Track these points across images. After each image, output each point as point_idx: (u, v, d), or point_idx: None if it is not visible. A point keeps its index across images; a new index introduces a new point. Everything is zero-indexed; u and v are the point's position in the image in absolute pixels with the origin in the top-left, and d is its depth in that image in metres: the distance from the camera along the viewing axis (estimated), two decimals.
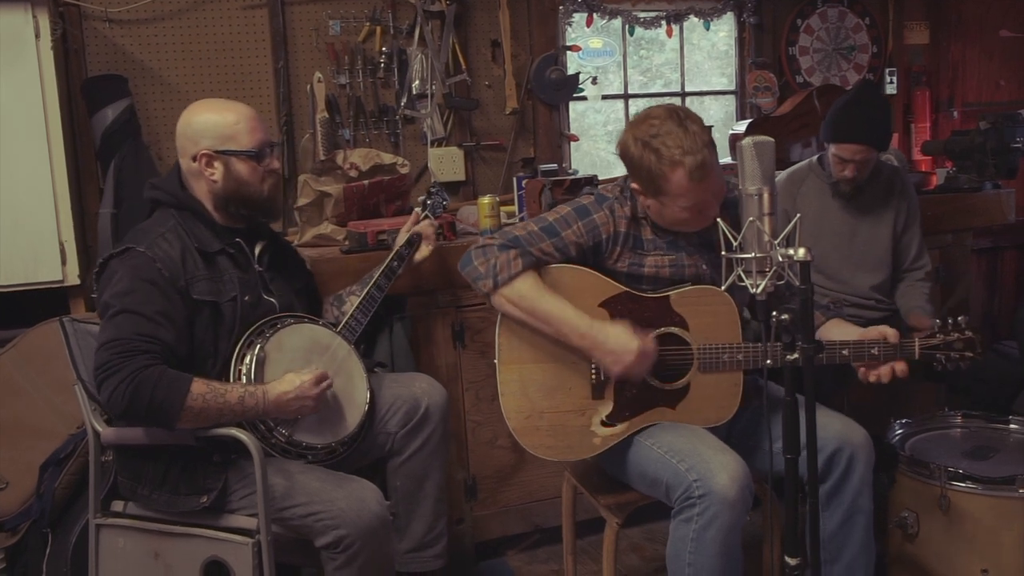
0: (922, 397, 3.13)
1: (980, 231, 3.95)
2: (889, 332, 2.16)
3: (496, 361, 2.20)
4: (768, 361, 1.99)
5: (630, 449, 2.19)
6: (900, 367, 2.15)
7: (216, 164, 2.13)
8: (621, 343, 2.07)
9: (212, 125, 2.13)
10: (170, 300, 2.02)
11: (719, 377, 2.17)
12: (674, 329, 2.16)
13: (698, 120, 2.07)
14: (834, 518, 2.18)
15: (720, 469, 1.98)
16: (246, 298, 2.14)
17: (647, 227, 2.19)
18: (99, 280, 2.09)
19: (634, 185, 2.14)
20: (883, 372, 2.16)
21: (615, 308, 2.16)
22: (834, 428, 2.16)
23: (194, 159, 2.14)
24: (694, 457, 2.03)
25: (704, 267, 2.20)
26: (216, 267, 2.13)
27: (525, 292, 2.11)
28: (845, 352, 2.15)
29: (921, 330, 2.82)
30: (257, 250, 2.23)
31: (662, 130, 2.03)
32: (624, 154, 2.11)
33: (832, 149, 2.92)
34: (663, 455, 2.09)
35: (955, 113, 4.34)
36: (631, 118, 2.15)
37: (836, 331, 2.26)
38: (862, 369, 2.19)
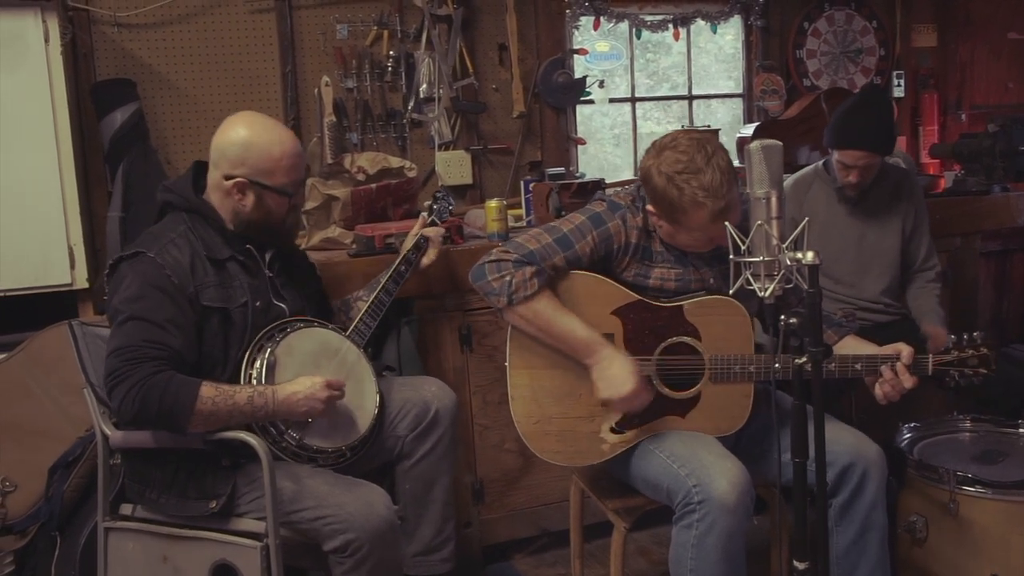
0: (931, 401, 3.12)
1: (989, 234, 3.93)
2: (904, 349, 2.15)
3: (507, 365, 2.20)
4: (776, 364, 1.99)
5: (634, 454, 2.18)
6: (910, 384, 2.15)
7: (249, 193, 2.13)
8: (621, 377, 2.07)
9: (255, 154, 2.11)
10: (179, 306, 2.02)
11: (730, 388, 2.16)
12: (687, 339, 2.15)
13: (724, 154, 2.03)
14: (847, 534, 2.16)
15: (720, 475, 1.97)
16: (257, 304, 2.14)
17: (657, 239, 2.18)
18: (109, 281, 2.10)
19: (651, 208, 2.12)
20: (895, 394, 2.15)
21: (628, 316, 2.15)
22: (847, 442, 2.14)
23: (227, 178, 2.12)
24: (694, 463, 2.02)
25: (712, 281, 2.19)
26: (226, 273, 2.13)
27: (540, 311, 2.10)
28: (858, 366, 2.15)
29: (935, 338, 2.82)
30: (268, 256, 2.23)
31: (689, 168, 1.99)
32: (646, 181, 2.08)
33: (835, 155, 2.91)
34: (665, 460, 2.09)
35: (963, 116, 4.33)
36: (656, 141, 2.09)
37: (852, 346, 2.25)
38: (878, 392, 2.17)
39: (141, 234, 2.17)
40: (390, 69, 3.39)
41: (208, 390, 1.96)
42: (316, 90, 3.29)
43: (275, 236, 2.21)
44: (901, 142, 4.13)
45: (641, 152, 2.40)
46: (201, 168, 2.22)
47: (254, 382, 2.07)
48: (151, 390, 1.90)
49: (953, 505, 2.34)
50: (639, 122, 4.06)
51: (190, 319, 2.03)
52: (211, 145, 2.16)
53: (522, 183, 3.41)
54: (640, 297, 2.16)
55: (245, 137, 2.12)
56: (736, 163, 3.62)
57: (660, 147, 2.06)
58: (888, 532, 2.20)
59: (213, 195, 2.17)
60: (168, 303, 2.01)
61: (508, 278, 2.09)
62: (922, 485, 2.43)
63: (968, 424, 2.70)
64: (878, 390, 2.17)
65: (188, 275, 2.05)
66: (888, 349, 2.17)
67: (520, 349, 2.19)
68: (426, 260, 2.55)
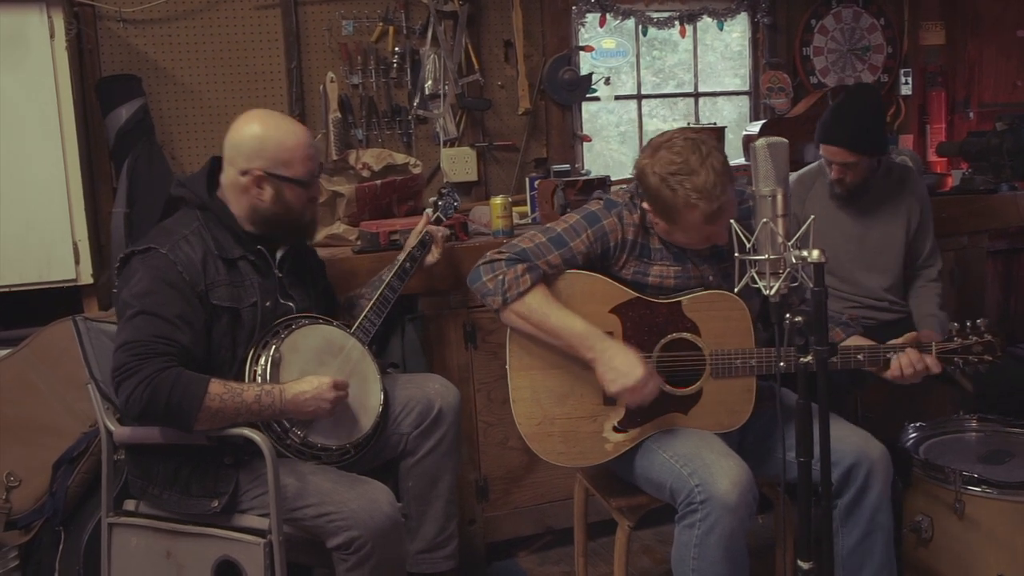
0: (936, 400, 3.11)
1: (996, 233, 3.91)
2: (908, 338, 2.14)
3: (507, 367, 2.19)
4: (782, 364, 1.98)
5: (638, 452, 2.18)
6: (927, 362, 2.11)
7: (266, 186, 2.11)
8: (628, 365, 2.05)
9: (270, 146, 2.10)
10: (189, 303, 2.02)
11: (732, 382, 2.15)
12: (686, 335, 2.14)
13: (720, 155, 2.02)
14: (853, 535, 2.15)
15: (721, 474, 1.97)
16: (267, 304, 2.13)
17: (655, 236, 2.18)
18: (119, 275, 2.10)
19: (646, 205, 2.11)
20: (911, 369, 2.10)
21: (626, 314, 2.14)
22: (851, 442, 2.13)
23: (243, 173, 2.11)
24: (696, 462, 2.02)
25: (711, 278, 2.19)
26: (237, 272, 2.12)
27: (535, 307, 2.09)
28: (860, 357, 2.13)
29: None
30: (278, 256, 2.22)
31: (683, 169, 1.99)
32: (641, 179, 2.08)
33: (819, 149, 2.93)
34: (668, 459, 2.08)
35: (971, 114, 4.31)
36: (653, 139, 2.08)
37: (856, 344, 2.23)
38: (894, 368, 2.12)
39: (153, 228, 2.16)
40: (395, 65, 3.39)
41: (217, 387, 1.96)
42: (321, 86, 3.29)
43: (295, 231, 2.20)
44: (908, 140, 4.11)
45: None
46: (217, 165, 2.20)
47: (258, 379, 2.07)
48: (159, 386, 1.90)
49: (959, 505, 2.33)
50: (645, 119, 4.05)
51: (200, 316, 2.03)
52: (224, 143, 2.15)
53: (527, 180, 3.40)
54: (638, 295, 2.15)
55: (259, 131, 2.12)
56: (742, 160, 3.63)
57: (655, 146, 2.06)
58: (894, 533, 2.19)
59: (228, 193, 2.16)
60: (178, 299, 2.00)
61: (501, 277, 2.10)
62: (928, 485, 2.42)
63: (974, 424, 2.68)
64: (894, 366, 2.11)
65: (200, 273, 2.05)
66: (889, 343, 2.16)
67: (520, 351, 2.18)
68: (430, 258, 2.55)
